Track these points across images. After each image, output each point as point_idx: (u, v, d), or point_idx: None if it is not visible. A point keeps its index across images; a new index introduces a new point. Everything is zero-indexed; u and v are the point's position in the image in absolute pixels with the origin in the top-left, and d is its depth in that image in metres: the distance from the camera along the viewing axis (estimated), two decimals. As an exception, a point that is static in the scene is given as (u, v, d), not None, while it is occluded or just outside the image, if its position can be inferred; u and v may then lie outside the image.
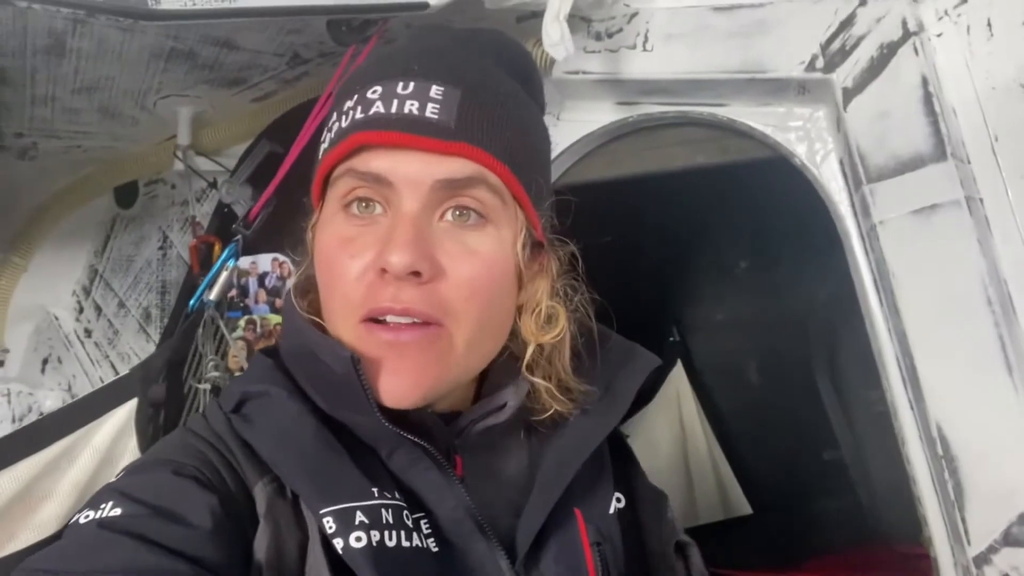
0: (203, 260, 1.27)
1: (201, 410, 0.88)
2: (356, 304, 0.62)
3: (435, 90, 0.62)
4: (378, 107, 0.62)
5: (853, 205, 0.90)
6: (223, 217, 1.30)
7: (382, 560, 0.55)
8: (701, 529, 1.88)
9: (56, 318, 1.59)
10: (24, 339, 1.56)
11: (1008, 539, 0.75)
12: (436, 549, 0.60)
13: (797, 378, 1.87)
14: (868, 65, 0.85)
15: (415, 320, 0.61)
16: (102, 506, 0.54)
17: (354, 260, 0.62)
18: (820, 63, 0.88)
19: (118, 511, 0.54)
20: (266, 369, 0.67)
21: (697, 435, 1.93)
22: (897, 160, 0.83)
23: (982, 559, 0.76)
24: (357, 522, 0.56)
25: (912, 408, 0.83)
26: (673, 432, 1.96)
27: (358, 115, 0.63)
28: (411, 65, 0.64)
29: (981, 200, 0.82)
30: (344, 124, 0.64)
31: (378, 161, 0.62)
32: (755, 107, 0.98)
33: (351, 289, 0.62)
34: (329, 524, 0.56)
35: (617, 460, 0.77)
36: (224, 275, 0.98)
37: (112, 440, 0.91)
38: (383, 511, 0.58)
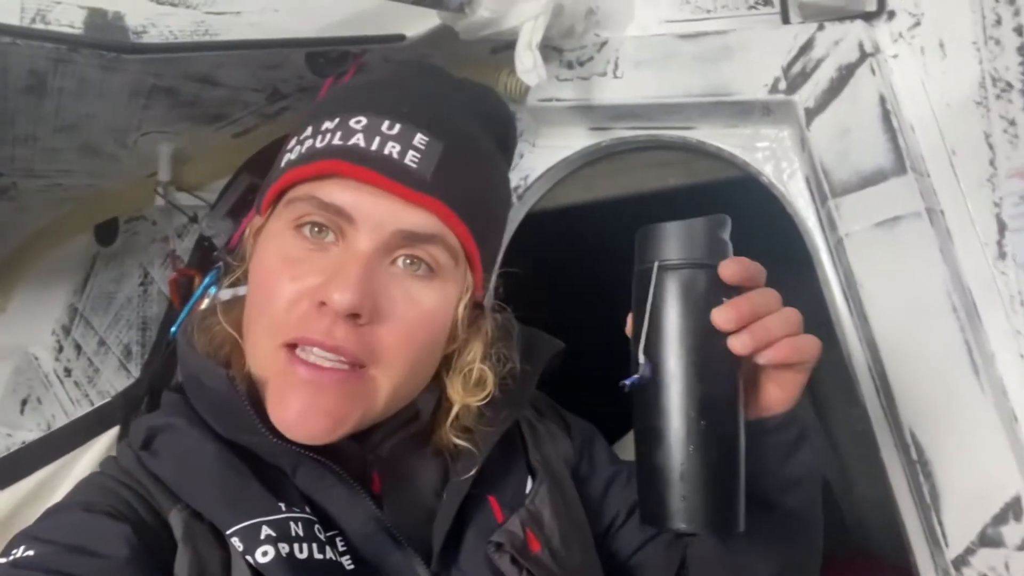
0: (183, 294, 1.27)
1: None
2: (284, 328, 0.60)
3: (419, 138, 0.62)
4: (359, 139, 0.61)
5: (820, 220, 0.92)
6: (204, 250, 1.31)
7: (294, 572, 0.55)
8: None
9: (36, 358, 1.58)
10: (3, 380, 1.55)
11: (984, 540, 0.77)
12: (352, 567, 0.59)
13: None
14: (828, 86, 0.89)
15: (341, 360, 0.59)
16: (14, 552, 0.53)
17: (294, 283, 0.60)
18: (783, 85, 0.92)
19: (31, 553, 0.53)
20: (171, 404, 0.67)
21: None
22: (859, 175, 0.86)
23: (960, 561, 0.78)
24: (263, 536, 0.56)
25: (885, 414, 0.84)
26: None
27: (336, 141, 0.62)
28: (401, 105, 0.63)
29: (942, 211, 0.85)
30: (319, 144, 0.62)
31: (345, 195, 0.60)
32: (723, 129, 1.01)
33: (282, 312, 0.60)
34: (237, 543, 0.56)
35: (534, 444, 0.76)
36: (206, 302, 0.98)
37: (93, 469, 0.90)
38: (291, 524, 0.57)
